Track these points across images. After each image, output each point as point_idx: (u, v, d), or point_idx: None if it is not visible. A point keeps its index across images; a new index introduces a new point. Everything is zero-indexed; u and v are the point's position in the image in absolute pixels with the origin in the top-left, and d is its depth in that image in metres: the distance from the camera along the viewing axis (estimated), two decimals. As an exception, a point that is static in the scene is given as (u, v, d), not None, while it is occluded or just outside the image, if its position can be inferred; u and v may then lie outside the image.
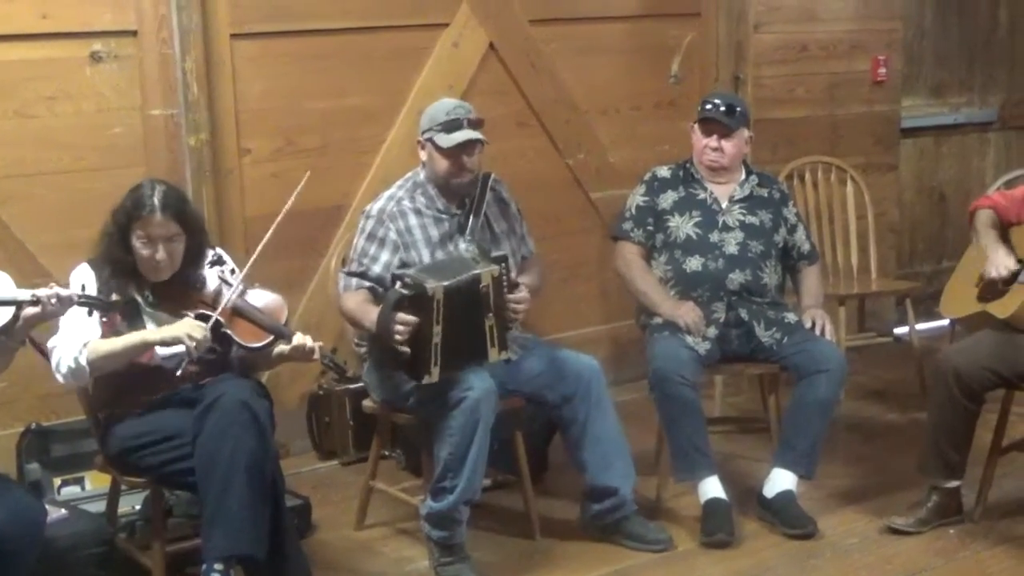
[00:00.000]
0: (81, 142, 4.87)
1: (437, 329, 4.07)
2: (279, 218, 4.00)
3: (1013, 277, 4.46)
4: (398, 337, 4.07)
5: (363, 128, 5.52)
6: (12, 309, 3.51)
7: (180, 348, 3.88)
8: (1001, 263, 4.49)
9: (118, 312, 3.89)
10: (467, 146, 4.38)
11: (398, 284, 4.11)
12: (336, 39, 5.40)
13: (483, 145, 4.44)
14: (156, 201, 3.90)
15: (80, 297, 3.65)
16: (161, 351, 3.91)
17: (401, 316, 4.06)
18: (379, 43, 5.51)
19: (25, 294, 3.54)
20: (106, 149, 4.90)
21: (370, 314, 4.24)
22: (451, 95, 5.41)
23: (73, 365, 3.80)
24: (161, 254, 3.91)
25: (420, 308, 4.06)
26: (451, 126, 4.36)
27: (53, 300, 3.53)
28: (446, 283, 4.07)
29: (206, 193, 5.04)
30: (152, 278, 3.97)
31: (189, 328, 3.77)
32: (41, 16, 4.71)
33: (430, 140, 4.39)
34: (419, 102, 5.43)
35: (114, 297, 3.79)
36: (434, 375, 4.12)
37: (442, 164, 4.39)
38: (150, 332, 3.83)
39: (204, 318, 3.91)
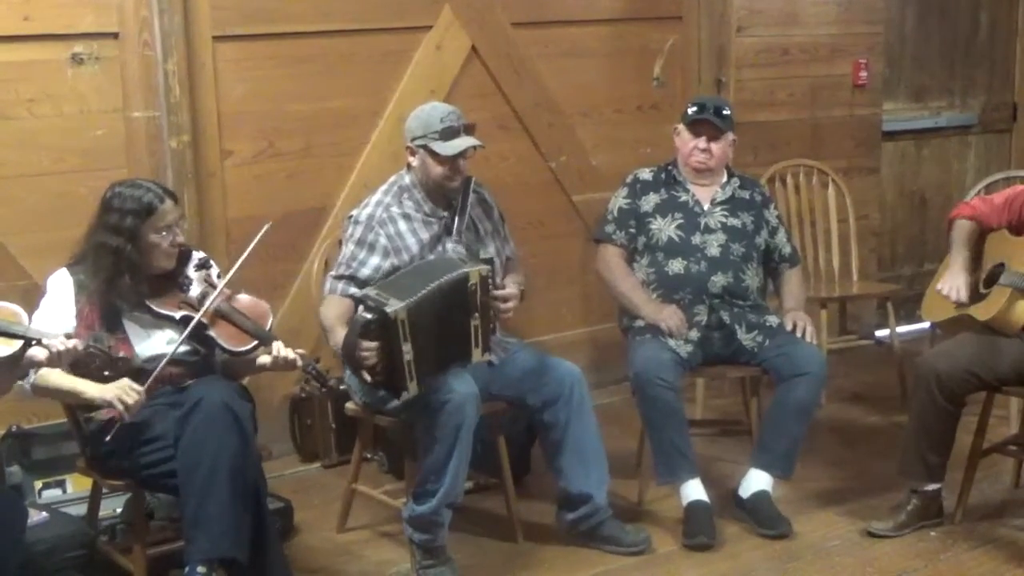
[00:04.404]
0: (62, 144, 4.85)
1: (407, 347, 4.05)
2: (242, 258, 4.02)
3: (966, 305, 4.50)
4: (367, 364, 4.06)
5: (345, 131, 5.52)
6: (20, 343, 3.50)
7: (160, 351, 3.89)
8: (955, 286, 4.52)
9: (98, 318, 3.91)
10: (464, 153, 4.39)
11: (361, 308, 4.10)
12: (318, 42, 5.39)
13: (475, 149, 4.45)
14: (159, 191, 4.00)
15: (89, 347, 3.61)
16: (142, 352, 3.91)
17: (365, 344, 4.04)
18: (361, 46, 5.51)
19: (36, 333, 3.53)
20: (87, 151, 4.89)
21: (336, 337, 4.23)
22: (433, 98, 5.42)
23: (21, 382, 3.81)
24: (180, 236, 4.02)
25: (385, 331, 4.04)
26: (448, 134, 4.36)
27: (61, 347, 3.51)
28: (408, 301, 4.04)
29: (188, 195, 5.02)
30: (168, 266, 4.02)
31: (122, 392, 3.73)
32: (23, 18, 4.70)
33: (424, 147, 4.39)
34: (401, 105, 5.44)
35: (121, 352, 3.75)
36: (412, 389, 4.11)
37: (438, 170, 4.39)
38: (89, 386, 3.77)
39: (187, 320, 3.93)
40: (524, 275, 4.73)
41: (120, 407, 3.71)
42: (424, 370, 4.11)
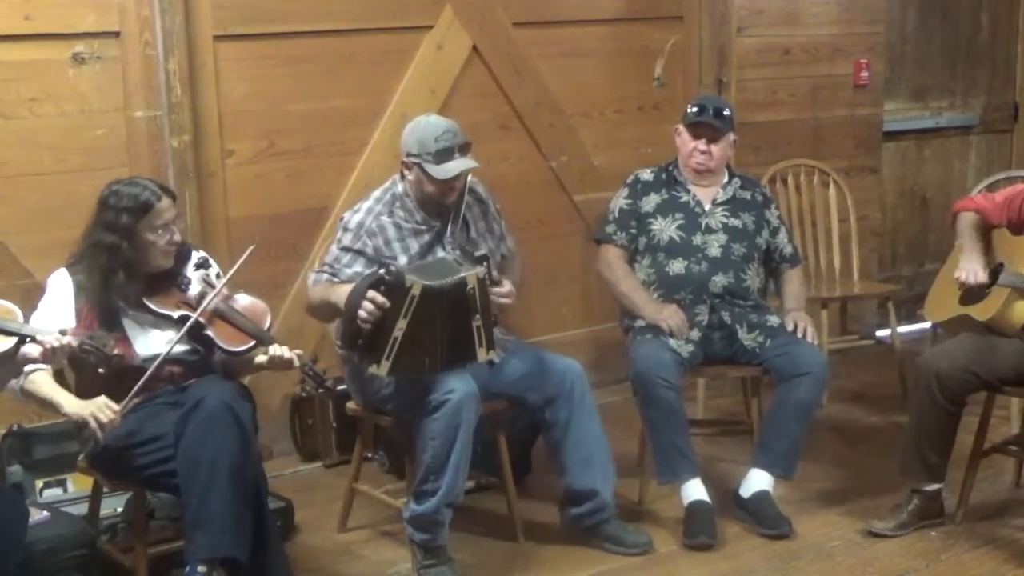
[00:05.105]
0: (63, 144, 4.86)
1: (401, 323, 4.06)
2: (229, 274, 4.03)
3: (988, 284, 4.48)
4: (363, 313, 4.06)
5: (346, 130, 5.52)
6: (14, 340, 3.50)
7: (159, 350, 3.90)
8: (973, 270, 4.50)
9: (96, 317, 3.91)
10: (458, 175, 4.38)
11: (382, 269, 4.11)
12: (319, 41, 5.39)
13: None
14: (157, 189, 4.00)
15: (84, 344, 3.61)
16: (141, 351, 3.92)
17: (372, 294, 4.05)
18: (362, 45, 5.51)
19: (30, 330, 3.52)
20: (89, 151, 4.89)
21: (340, 290, 4.25)
22: (434, 98, 5.43)
23: (12, 384, 3.81)
24: (177, 235, 4.01)
25: (393, 295, 4.05)
26: (443, 156, 4.32)
27: (56, 344, 3.50)
28: (427, 282, 4.06)
29: (189, 195, 5.03)
30: (166, 264, 4.02)
31: (97, 409, 3.72)
32: (24, 17, 4.70)
33: (418, 165, 4.36)
34: (402, 105, 5.45)
35: (116, 349, 3.74)
36: (383, 368, 4.11)
37: (431, 189, 4.37)
38: (67, 400, 3.77)
39: (185, 319, 3.93)
40: (520, 274, 4.71)
41: (93, 424, 3.70)
42: (403, 361, 4.10)
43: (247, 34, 5.21)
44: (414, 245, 4.42)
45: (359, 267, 4.35)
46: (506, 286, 4.37)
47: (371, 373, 4.17)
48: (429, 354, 4.15)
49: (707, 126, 4.87)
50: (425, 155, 4.33)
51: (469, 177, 4.54)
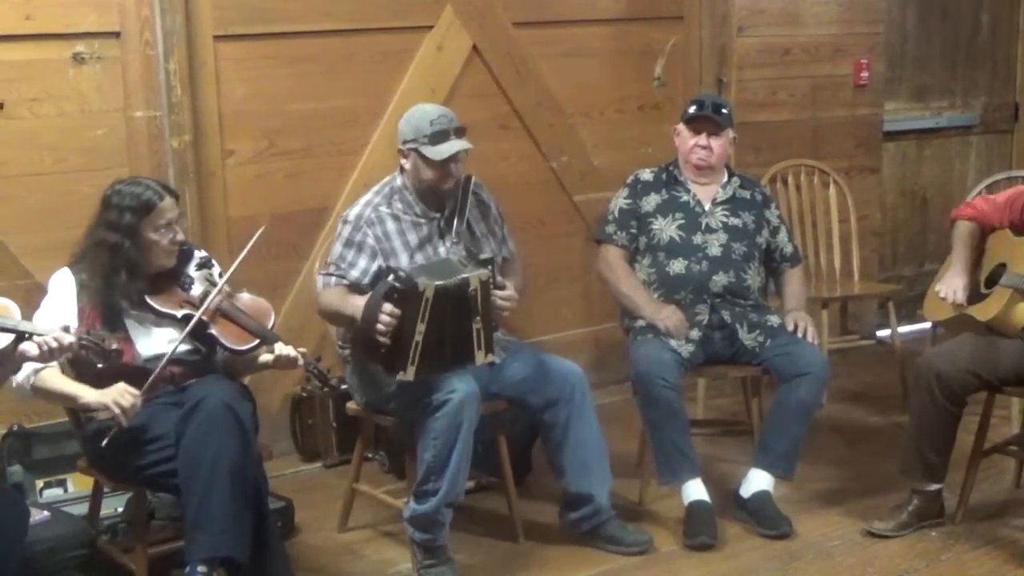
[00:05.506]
0: (64, 144, 4.86)
1: (421, 327, 4.07)
2: (239, 260, 4.02)
3: (964, 306, 4.50)
4: (381, 327, 4.07)
5: (346, 130, 5.52)
6: (11, 337, 3.49)
7: (162, 350, 3.90)
8: (954, 289, 4.53)
9: (99, 316, 3.90)
10: (456, 156, 4.38)
11: (391, 276, 4.12)
12: (319, 41, 5.40)
13: (466, 152, 4.44)
14: (159, 188, 4.00)
15: (82, 340, 3.59)
16: (144, 351, 3.92)
17: (388, 307, 4.07)
18: (362, 46, 5.51)
19: (27, 327, 3.50)
20: (89, 151, 4.89)
21: (353, 301, 4.24)
22: (434, 98, 5.42)
23: (22, 381, 3.81)
24: (180, 235, 4.01)
25: (408, 303, 4.06)
26: (438, 138, 4.34)
27: (52, 343, 3.48)
28: (438, 283, 4.07)
29: (189, 195, 5.03)
30: (168, 264, 4.01)
31: (118, 395, 3.72)
32: (24, 17, 4.70)
33: (415, 151, 4.38)
34: (402, 105, 5.42)
35: (114, 344, 3.71)
36: (410, 373, 4.12)
37: (429, 174, 4.38)
38: (86, 391, 3.77)
39: (189, 318, 3.93)
40: (522, 276, 4.71)
41: (116, 411, 3.70)
42: (425, 362, 4.12)
43: (247, 34, 5.21)
44: (413, 238, 4.42)
45: (364, 262, 4.35)
46: (508, 289, 4.37)
47: (399, 380, 4.16)
48: (436, 355, 4.15)
49: (707, 120, 4.87)
50: (421, 138, 4.35)
51: (473, 179, 4.55)
